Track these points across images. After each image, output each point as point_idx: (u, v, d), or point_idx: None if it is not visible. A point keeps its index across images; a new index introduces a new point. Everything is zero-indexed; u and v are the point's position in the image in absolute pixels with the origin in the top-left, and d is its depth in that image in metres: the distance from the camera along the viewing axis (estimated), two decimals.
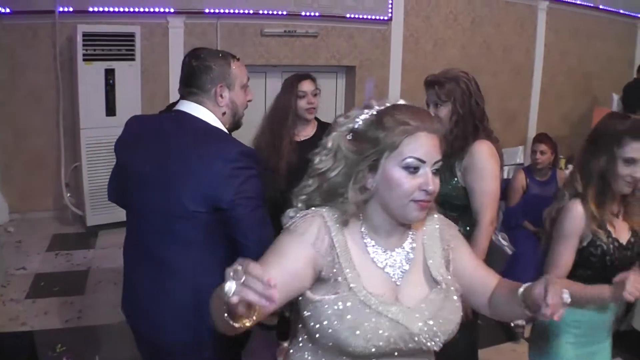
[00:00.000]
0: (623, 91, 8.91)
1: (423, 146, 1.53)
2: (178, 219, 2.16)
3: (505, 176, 5.37)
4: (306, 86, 3.62)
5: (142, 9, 5.51)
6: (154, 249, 2.23)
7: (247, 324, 1.30)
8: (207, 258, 2.20)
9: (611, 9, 9.40)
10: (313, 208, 1.62)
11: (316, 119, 3.75)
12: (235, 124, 2.29)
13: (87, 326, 4.03)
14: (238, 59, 2.29)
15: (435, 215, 1.77)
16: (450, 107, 2.84)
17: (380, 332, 1.50)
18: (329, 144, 1.59)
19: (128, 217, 2.39)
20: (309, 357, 1.62)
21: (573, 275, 2.41)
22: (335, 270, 1.54)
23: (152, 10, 5.53)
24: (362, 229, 1.61)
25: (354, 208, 1.56)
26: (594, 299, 2.37)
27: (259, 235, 2.13)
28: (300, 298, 1.57)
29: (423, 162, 1.53)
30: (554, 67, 8.68)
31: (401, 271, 1.62)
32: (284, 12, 6.11)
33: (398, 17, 6.92)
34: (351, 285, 1.52)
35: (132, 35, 5.39)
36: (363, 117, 1.58)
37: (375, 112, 1.58)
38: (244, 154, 2.13)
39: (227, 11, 5.82)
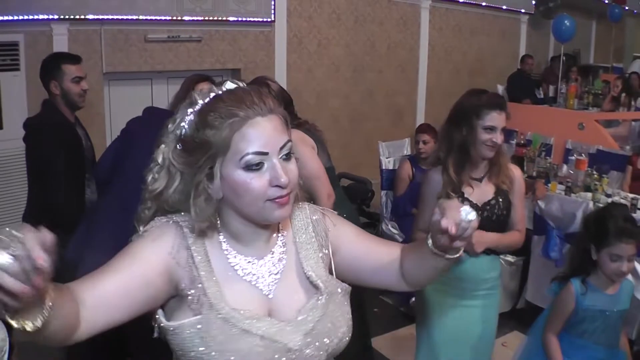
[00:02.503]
0: (507, 82, 10.16)
1: (261, 135, 1.43)
2: None
3: (392, 167, 6.25)
4: (200, 88, 4.29)
5: (25, 17, 5.86)
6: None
7: (30, 326, 1.12)
8: None
9: (494, 6, 10.50)
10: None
11: None
12: None
13: None
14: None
15: (306, 206, 1.72)
16: None
17: (257, 352, 1.44)
18: (159, 159, 1.51)
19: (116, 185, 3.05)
20: None
21: None
22: (198, 286, 1.46)
23: (35, 17, 5.91)
24: (221, 238, 1.54)
25: (204, 223, 1.49)
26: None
27: None
28: (158, 325, 1.51)
29: (265, 154, 1.43)
30: (439, 64, 9.69)
31: (273, 281, 1.56)
32: (167, 18, 6.61)
33: (281, 18, 7.65)
34: (212, 302, 1.44)
35: (15, 44, 5.82)
36: (188, 119, 1.49)
37: (197, 110, 1.48)
38: None
39: (110, 17, 6.27)
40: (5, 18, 5.80)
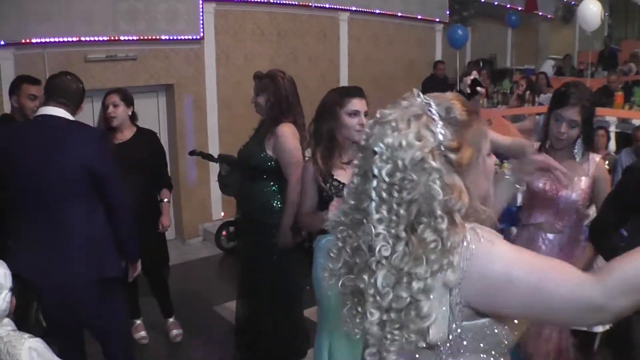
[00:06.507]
0: (422, 86, 11.32)
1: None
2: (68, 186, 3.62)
3: None
4: (107, 99, 5.08)
5: None
6: (52, 213, 3.62)
7: None
8: (95, 206, 3.72)
9: (409, 16, 11.72)
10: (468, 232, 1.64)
11: (135, 125, 5.24)
12: None
13: None
14: None
15: None
16: (266, 96, 4.48)
17: None
18: (444, 180, 1.60)
19: (20, 202, 3.73)
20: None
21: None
22: None
23: None
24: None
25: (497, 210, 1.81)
26: (313, 225, 3.82)
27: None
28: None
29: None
30: (358, 73, 10.82)
31: None
32: (105, 38, 7.46)
33: (209, 36, 8.63)
34: None
35: None
36: (441, 124, 1.66)
37: (441, 118, 1.66)
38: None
39: (53, 40, 7.06)
40: None
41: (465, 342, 1.67)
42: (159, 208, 5.48)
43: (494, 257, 1.57)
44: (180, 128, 8.55)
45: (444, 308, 1.61)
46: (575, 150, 3.56)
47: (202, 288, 6.87)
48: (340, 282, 1.77)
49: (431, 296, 1.59)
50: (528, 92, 10.51)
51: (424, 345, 1.64)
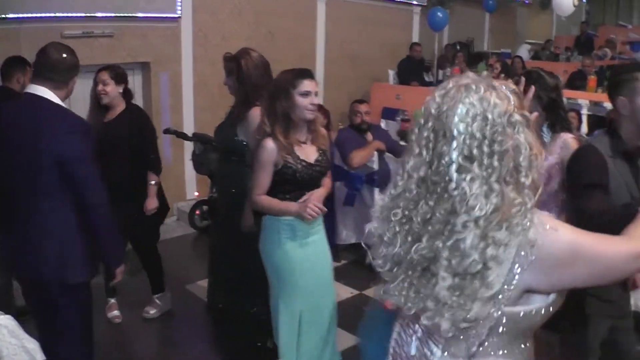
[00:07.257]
0: (397, 67, 11.59)
1: None
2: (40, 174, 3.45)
3: None
4: (98, 77, 5.10)
5: None
6: (25, 204, 3.50)
7: None
8: (65, 203, 3.50)
9: None
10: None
11: (129, 102, 5.21)
12: None
13: None
14: None
15: None
16: (233, 78, 4.59)
17: None
18: (527, 135, 1.73)
19: (3, 186, 3.56)
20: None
21: (279, 190, 3.79)
22: None
23: None
24: None
25: None
26: (284, 211, 3.80)
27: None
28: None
29: None
30: (335, 53, 10.92)
31: None
32: (82, 15, 7.40)
33: (187, 14, 8.62)
34: None
35: None
36: (507, 91, 1.77)
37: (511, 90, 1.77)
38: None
39: (28, 16, 6.98)
40: None
41: (502, 326, 1.78)
42: (145, 189, 5.37)
43: (562, 239, 1.71)
44: (156, 106, 8.56)
45: (497, 288, 1.70)
46: (544, 134, 3.69)
47: (175, 267, 6.88)
48: (414, 248, 1.76)
49: (499, 268, 1.69)
50: (502, 75, 10.62)
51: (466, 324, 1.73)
